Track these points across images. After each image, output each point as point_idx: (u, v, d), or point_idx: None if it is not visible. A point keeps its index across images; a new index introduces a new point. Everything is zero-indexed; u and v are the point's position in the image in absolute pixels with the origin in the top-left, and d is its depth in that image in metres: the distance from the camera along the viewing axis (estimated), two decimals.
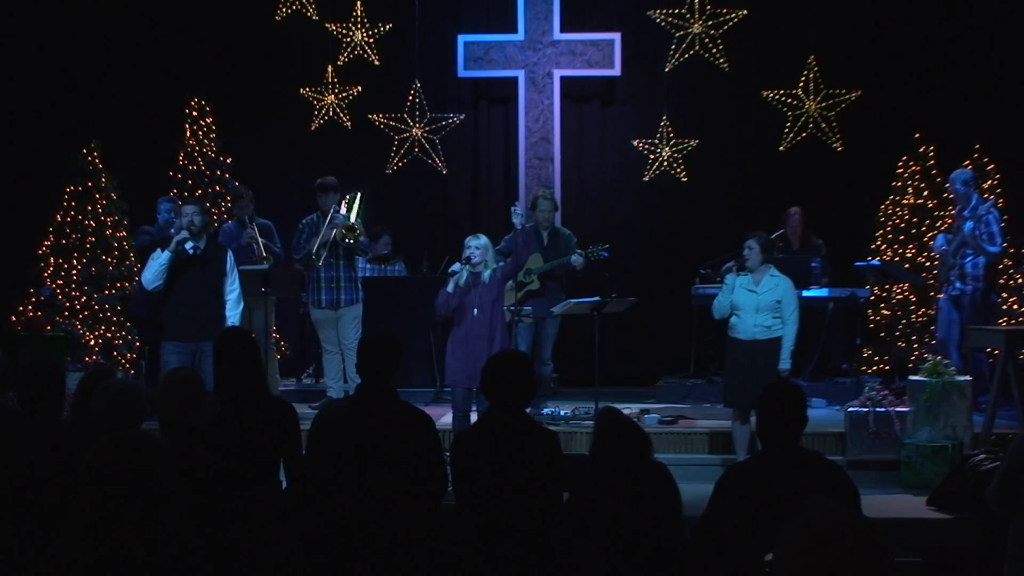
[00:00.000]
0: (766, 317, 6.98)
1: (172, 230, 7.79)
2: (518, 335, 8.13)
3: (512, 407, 4.37)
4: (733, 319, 7.10)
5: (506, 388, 4.36)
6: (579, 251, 8.43)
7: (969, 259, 8.38)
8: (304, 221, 8.59)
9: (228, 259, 7.31)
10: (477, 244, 7.00)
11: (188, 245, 7.12)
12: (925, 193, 9.80)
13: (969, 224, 8.32)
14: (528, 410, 4.73)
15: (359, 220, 8.49)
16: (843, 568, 1.90)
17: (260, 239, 8.66)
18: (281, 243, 8.98)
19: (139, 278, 7.63)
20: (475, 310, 6.92)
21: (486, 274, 6.99)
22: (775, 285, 7.03)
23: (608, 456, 4.09)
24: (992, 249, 8.32)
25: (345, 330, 8.42)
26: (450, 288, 6.94)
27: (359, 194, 8.67)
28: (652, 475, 4.10)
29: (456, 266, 7.00)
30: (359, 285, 8.61)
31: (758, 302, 6.98)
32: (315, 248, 8.36)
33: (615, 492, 3.97)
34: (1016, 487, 4.18)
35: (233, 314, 7.22)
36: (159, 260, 7.11)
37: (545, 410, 8.25)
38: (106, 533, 2.58)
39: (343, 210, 8.49)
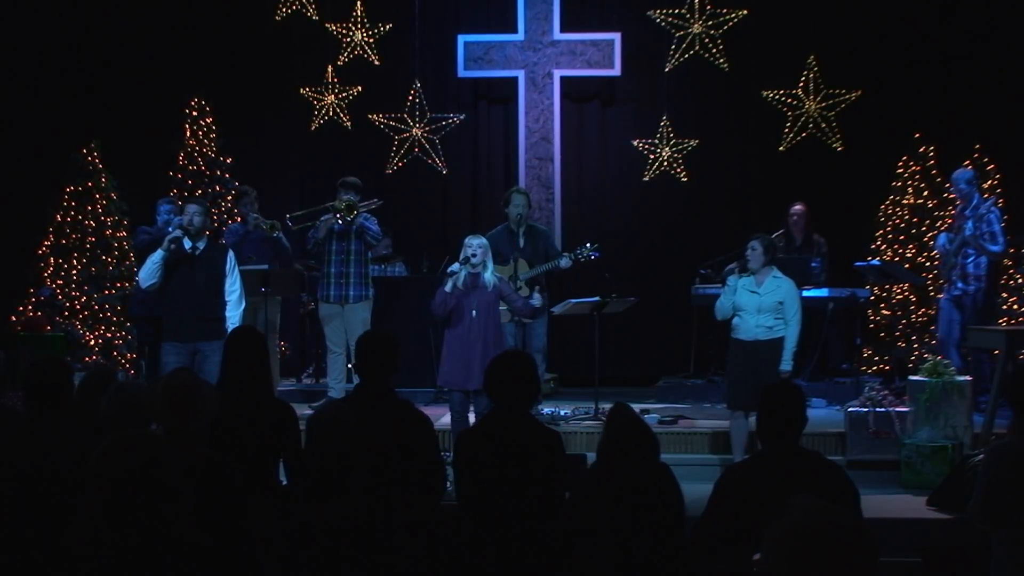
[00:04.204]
0: (768, 318, 6.98)
1: (170, 228, 7.77)
2: (504, 337, 8.05)
3: (515, 407, 4.37)
4: (735, 320, 7.10)
5: (509, 388, 4.35)
6: (567, 254, 8.30)
7: (971, 259, 8.37)
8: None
9: (229, 260, 7.24)
10: (479, 243, 6.93)
11: (187, 244, 7.09)
12: (925, 193, 9.81)
13: (970, 224, 8.32)
14: None
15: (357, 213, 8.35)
16: (829, 566, 1.90)
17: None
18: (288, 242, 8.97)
19: (137, 277, 7.63)
20: (474, 312, 6.87)
21: (486, 276, 6.93)
22: (777, 286, 7.02)
23: (616, 454, 4.07)
24: (994, 248, 8.31)
25: (353, 331, 8.31)
26: (448, 288, 6.86)
27: (375, 201, 8.64)
28: (657, 476, 4.09)
29: (455, 266, 6.92)
30: (369, 282, 8.51)
31: (760, 303, 6.98)
32: (322, 235, 8.33)
33: (619, 492, 3.96)
34: (1001, 497, 4.13)
35: (234, 315, 7.14)
36: (153, 258, 7.10)
37: (545, 410, 8.25)
38: (112, 533, 2.58)
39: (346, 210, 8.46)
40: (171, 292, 7.13)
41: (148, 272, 7.12)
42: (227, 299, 7.18)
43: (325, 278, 8.44)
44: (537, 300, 7.27)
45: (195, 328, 7.03)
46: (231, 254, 7.36)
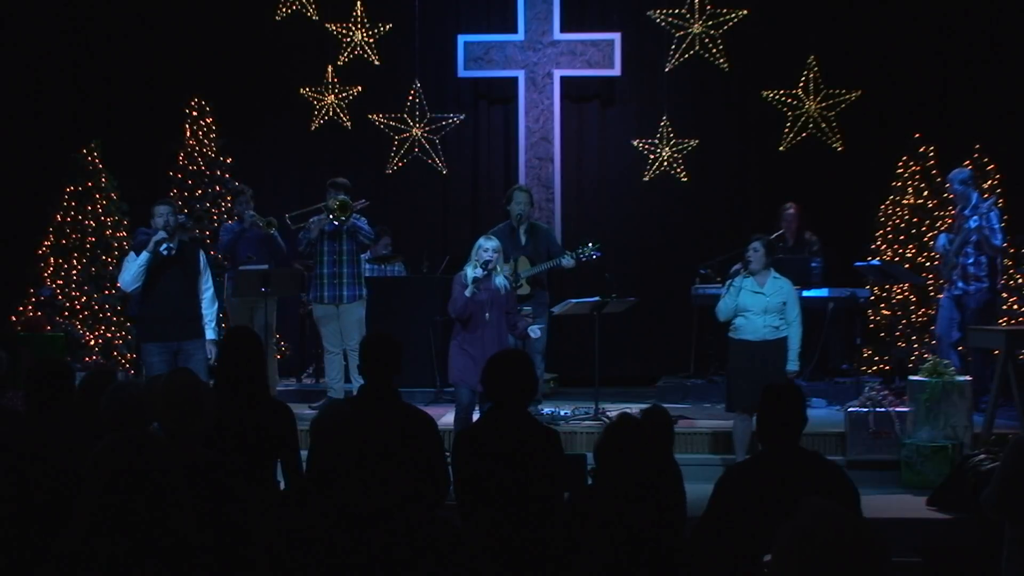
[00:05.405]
0: (774, 318, 7.00)
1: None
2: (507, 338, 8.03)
3: (513, 406, 4.37)
4: (738, 320, 7.08)
5: (507, 387, 4.35)
6: (569, 252, 8.28)
7: (971, 259, 8.38)
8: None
9: (201, 258, 7.30)
10: (494, 247, 6.86)
11: (162, 246, 7.12)
12: (925, 193, 9.81)
13: (975, 219, 8.31)
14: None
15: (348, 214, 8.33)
16: (839, 568, 1.90)
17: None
18: (284, 241, 8.96)
19: (119, 281, 7.63)
20: (487, 314, 6.84)
21: (498, 280, 6.92)
22: (780, 287, 7.05)
23: (617, 455, 4.05)
24: (994, 243, 8.33)
25: (348, 331, 8.34)
26: (468, 293, 6.77)
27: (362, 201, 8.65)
28: (661, 476, 4.08)
29: (480, 272, 6.77)
30: (362, 282, 8.52)
31: (766, 304, 6.99)
32: (314, 235, 8.34)
33: (621, 491, 3.95)
34: (1017, 491, 4.16)
35: (208, 313, 7.21)
36: (138, 262, 7.10)
37: (545, 410, 8.25)
38: (110, 533, 2.58)
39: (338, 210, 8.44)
40: (150, 294, 7.16)
41: (133, 275, 7.12)
42: (201, 297, 7.23)
43: (318, 279, 8.44)
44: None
45: (177, 328, 7.07)
46: (203, 253, 7.39)
